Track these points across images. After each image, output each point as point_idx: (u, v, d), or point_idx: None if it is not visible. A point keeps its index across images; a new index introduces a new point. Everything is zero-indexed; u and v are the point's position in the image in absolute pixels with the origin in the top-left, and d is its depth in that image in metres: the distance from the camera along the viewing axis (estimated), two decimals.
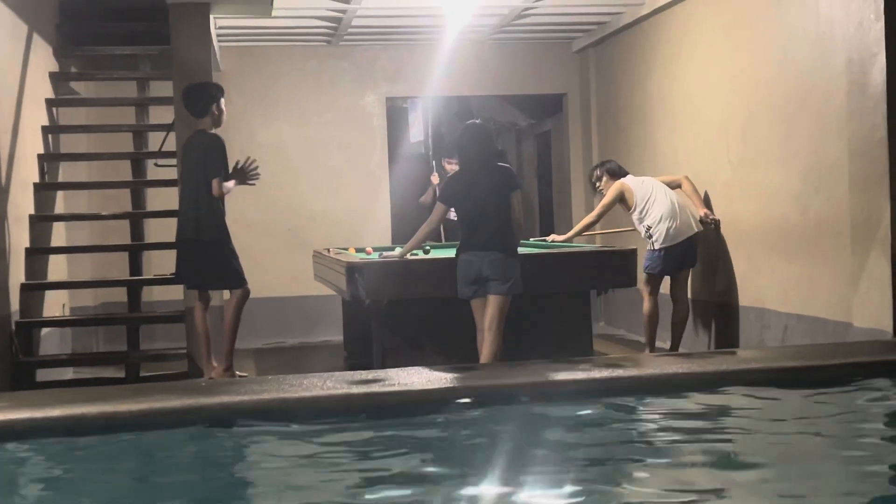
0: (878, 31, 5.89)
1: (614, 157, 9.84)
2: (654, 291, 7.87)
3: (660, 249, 7.69)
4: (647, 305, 7.88)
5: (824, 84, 6.53)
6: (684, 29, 8.57)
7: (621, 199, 7.90)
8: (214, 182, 6.66)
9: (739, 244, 7.72)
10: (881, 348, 5.63)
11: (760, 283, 7.43)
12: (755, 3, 7.41)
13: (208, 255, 6.77)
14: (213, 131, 6.88)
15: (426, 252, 7.73)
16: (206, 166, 6.69)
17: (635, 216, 7.83)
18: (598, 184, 8.15)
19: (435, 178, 10.03)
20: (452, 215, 6.94)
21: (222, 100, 6.93)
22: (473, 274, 6.21)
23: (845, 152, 6.26)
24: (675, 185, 7.97)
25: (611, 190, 7.93)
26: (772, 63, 7.20)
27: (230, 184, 6.77)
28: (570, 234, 8.21)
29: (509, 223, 6.28)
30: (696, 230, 7.75)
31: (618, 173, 8.04)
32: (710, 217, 7.84)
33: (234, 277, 6.85)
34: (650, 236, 7.72)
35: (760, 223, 7.38)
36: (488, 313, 6.21)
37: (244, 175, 6.88)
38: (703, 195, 7.99)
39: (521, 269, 6.31)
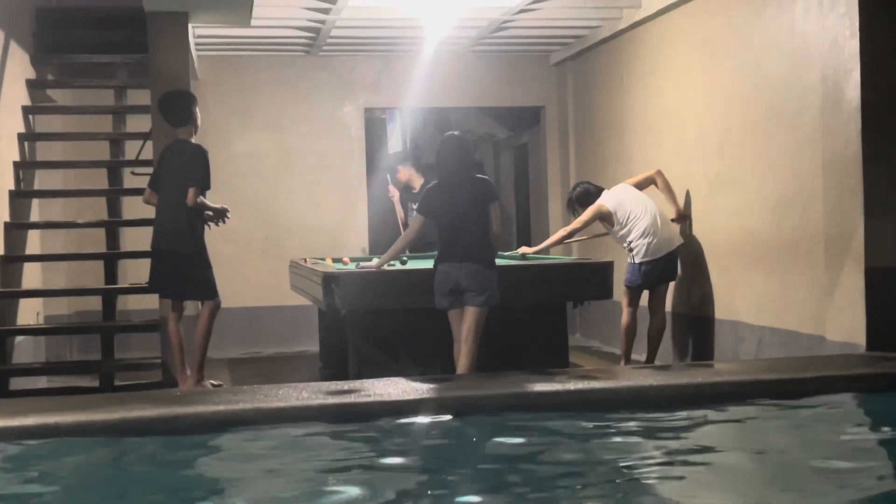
0: (852, 48, 5.95)
1: (591, 170, 9.90)
2: (632, 304, 7.87)
3: (640, 263, 7.70)
4: (625, 318, 7.89)
5: (799, 99, 6.59)
6: (661, 44, 8.63)
7: (601, 219, 7.88)
8: (192, 190, 6.63)
9: (715, 257, 7.77)
10: (854, 362, 5.68)
11: (735, 295, 7.48)
12: (731, 18, 7.48)
13: (185, 266, 6.74)
14: (193, 140, 6.86)
15: (403, 263, 7.73)
16: (188, 175, 6.66)
17: (618, 233, 7.81)
18: (575, 215, 8.13)
19: (393, 192, 10.00)
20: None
21: (197, 108, 6.93)
22: (451, 285, 6.21)
23: (820, 167, 6.32)
24: (649, 182, 7.97)
25: (588, 210, 7.84)
26: (748, 78, 7.26)
27: (203, 199, 6.73)
28: (540, 246, 8.18)
29: (487, 235, 6.29)
30: (678, 244, 7.77)
31: (593, 195, 7.99)
32: (682, 215, 7.89)
33: (208, 289, 6.83)
34: (631, 250, 7.72)
35: (736, 236, 7.43)
36: (465, 324, 6.21)
37: (215, 218, 6.86)
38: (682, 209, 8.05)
39: (499, 280, 6.32)
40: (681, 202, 8.02)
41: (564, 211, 10.17)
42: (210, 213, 6.81)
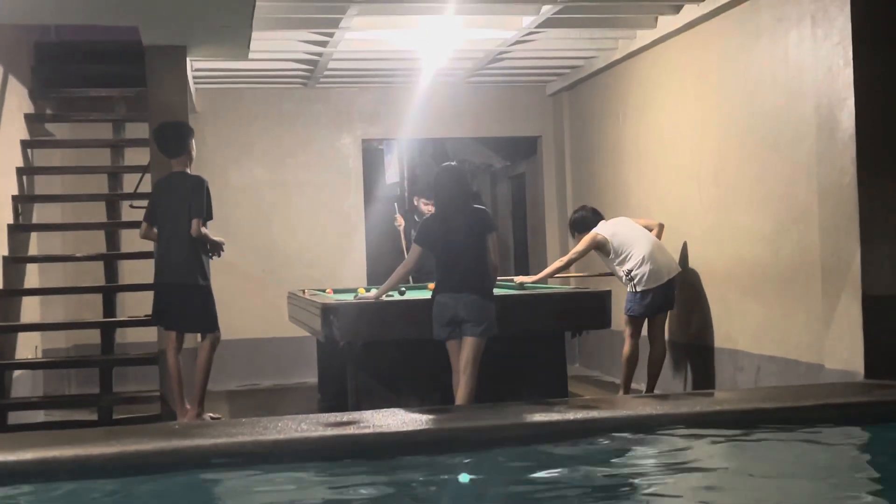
0: (846, 77, 6.00)
1: (588, 200, 9.91)
2: (635, 334, 7.86)
3: (641, 292, 7.69)
4: (627, 348, 7.87)
5: (794, 129, 6.62)
6: (656, 73, 8.68)
7: (596, 248, 7.89)
8: (196, 221, 6.62)
9: (712, 286, 7.77)
10: (852, 390, 5.68)
11: (733, 324, 7.48)
12: (726, 48, 7.52)
13: (191, 299, 6.72)
14: (190, 172, 6.87)
15: (401, 293, 7.74)
16: (191, 206, 6.66)
17: (615, 262, 7.81)
18: (573, 238, 8.16)
19: (400, 221, 10.01)
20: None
21: (193, 140, 6.95)
22: (449, 315, 6.21)
23: (815, 195, 6.34)
24: (649, 228, 8.00)
25: (584, 240, 7.88)
26: (742, 108, 7.30)
27: (206, 230, 6.74)
28: (537, 276, 8.18)
29: (485, 265, 6.29)
30: (676, 271, 7.79)
31: (590, 222, 8.00)
32: None
33: (210, 321, 6.83)
34: (631, 279, 7.71)
35: (733, 265, 7.44)
36: (463, 355, 6.21)
37: (211, 251, 6.86)
38: (679, 240, 8.05)
39: (497, 310, 6.32)
40: (676, 232, 8.04)
41: (562, 240, 10.21)
42: (208, 245, 6.81)
